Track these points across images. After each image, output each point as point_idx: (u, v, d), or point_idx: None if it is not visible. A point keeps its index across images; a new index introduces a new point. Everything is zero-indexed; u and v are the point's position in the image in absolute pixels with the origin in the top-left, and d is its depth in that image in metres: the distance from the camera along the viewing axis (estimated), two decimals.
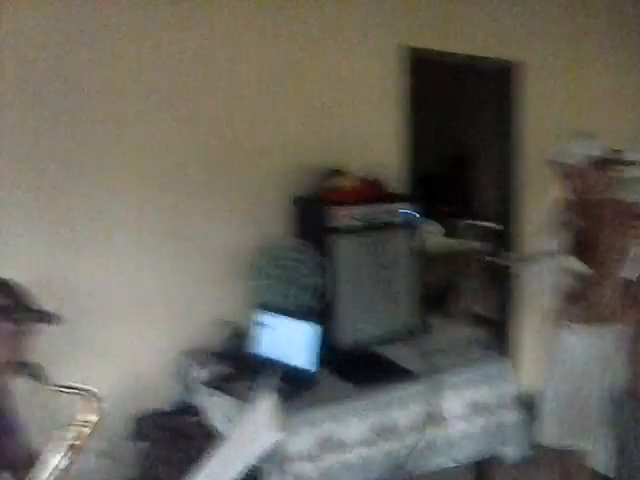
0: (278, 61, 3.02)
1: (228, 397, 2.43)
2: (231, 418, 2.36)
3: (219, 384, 2.53)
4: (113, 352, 2.69)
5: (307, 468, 2.21)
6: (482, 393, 2.58)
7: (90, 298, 2.57)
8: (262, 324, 2.67)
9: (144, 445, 2.62)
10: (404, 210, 2.92)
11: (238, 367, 2.62)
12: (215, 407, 2.51)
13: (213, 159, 2.89)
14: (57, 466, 1.68)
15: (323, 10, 3.13)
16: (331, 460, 2.27)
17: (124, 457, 2.64)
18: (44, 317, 1.76)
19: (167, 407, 2.72)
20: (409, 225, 2.94)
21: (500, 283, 4.05)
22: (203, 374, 2.64)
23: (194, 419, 2.61)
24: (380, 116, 3.34)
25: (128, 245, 2.72)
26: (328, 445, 2.27)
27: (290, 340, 2.57)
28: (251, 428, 1.74)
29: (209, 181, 2.88)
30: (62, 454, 1.69)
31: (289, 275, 2.74)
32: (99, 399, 1.76)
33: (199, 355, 2.75)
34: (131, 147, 2.71)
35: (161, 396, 2.73)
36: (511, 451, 2.64)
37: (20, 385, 1.84)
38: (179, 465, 2.51)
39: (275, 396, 1.81)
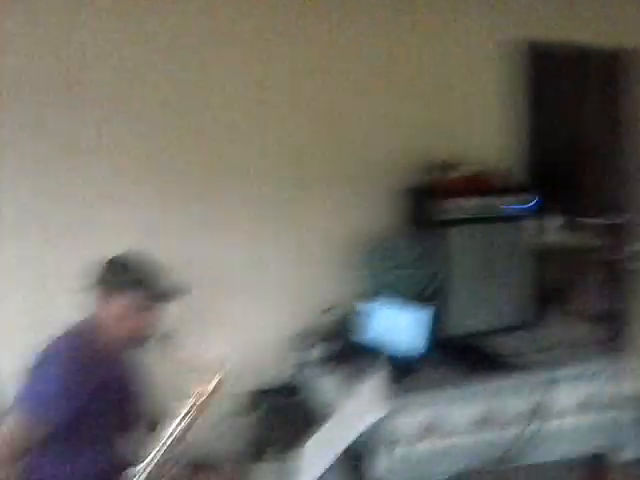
0: (386, 50, 3.06)
1: (335, 377, 2.51)
2: (337, 397, 2.44)
3: (327, 365, 2.61)
4: (230, 328, 2.83)
5: (410, 451, 2.25)
6: (595, 389, 2.51)
7: (217, 276, 2.75)
8: (370, 310, 2.73)
9: (253, 419, 2.77)
10: (517, 203, 2.88)
11: (346, 350, 2.69)
12: (322, 386, 2.61)
13: (325, 153, 3.00)
14: (176, 431, 1.84)
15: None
16: (434, 444, 2.29)
17: (233, 429, 2.81)
18: (169, 292, 1.91)
19: (276, 384, 2.85)
20: (523, 218, 2.90)
21: (618, 279, 3.88)
22: (311, 355, 2.74)
23: (301, 397, 2.73)
24: (492, 106, 3.30)
25: (252, 230, 2.91)
26: (432, 430, 2.29)
27: (397, 326, 2.62)
28: (357, 406, 1.82)
29: (322, 174, 2.99)
30: (182, 420, 1.85)
31: (397, 264, 2.79)
32: (219, 372, 1.91)
33: (309, 337, 2.85)
34: (256, 145, 2.90)
35: (271, 373, 2.87)
36: (624, 451, 2.56)
37: (149, 353, 2.02)
38: (286, 440, 2.65)
39: (382, 377, 1.87)
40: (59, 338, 1.86)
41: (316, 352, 2.74)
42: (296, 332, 2.91)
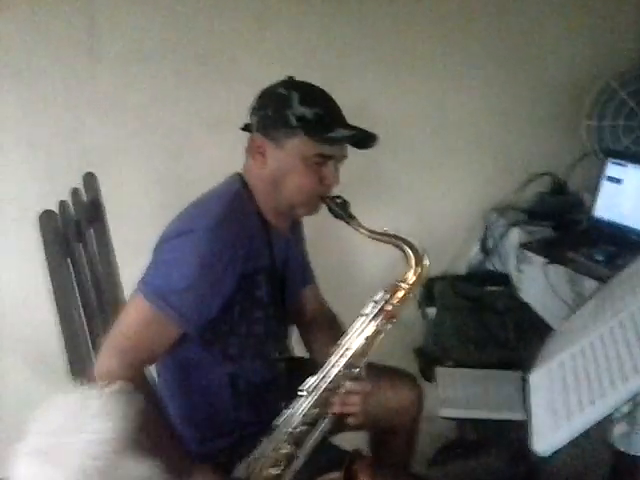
0: None
1: (554, 265, 1.85)
2: (559, 291, 1.80)
3: (539, 249, 1.95)
4: (410, 200, 2.27)
5: None
6: None
7: (394, 137, 2.10)
8: (602, 176, 1.99)
9: (433, 312, 2.21)
10: None
11: (564, 230, 2.02)
12: (532, 276, 1.96)
13: None
14: (362, 335, 1.29)
15: None
16: None
17: (409, 323, 2.27)
18: (353, 138, 1.29)
19: (466, 271, 2.25)
20: None
21: None
22: (516, 236, 2.09)
23: (500, 288, 2.11)
24: None
25: (434, 76, 2.19)
26: None
27: None
28: None
29: None
30: (369, 321, 1.29)
31: None
32: (422, 255, 1.31)
33: (511, 213, 2.19)
34: None
35: (460, 258, 2.28)
36: None
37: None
38: (476, 339, 2.09)
39: None
40: (196, 206, 1.31)
41: (523, 232, 2.07)
42: (496, 206, 2.24)
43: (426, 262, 1.30)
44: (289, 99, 1.25)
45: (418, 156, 2.23)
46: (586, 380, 1.17)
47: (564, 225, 2.04)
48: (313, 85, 1.30)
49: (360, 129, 1.28)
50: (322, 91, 1.30)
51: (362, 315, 1.29)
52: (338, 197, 1.32)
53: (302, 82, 1.31)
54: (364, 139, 1.29)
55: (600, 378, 1.15)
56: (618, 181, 1.94)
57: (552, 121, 2.25)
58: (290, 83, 1.30)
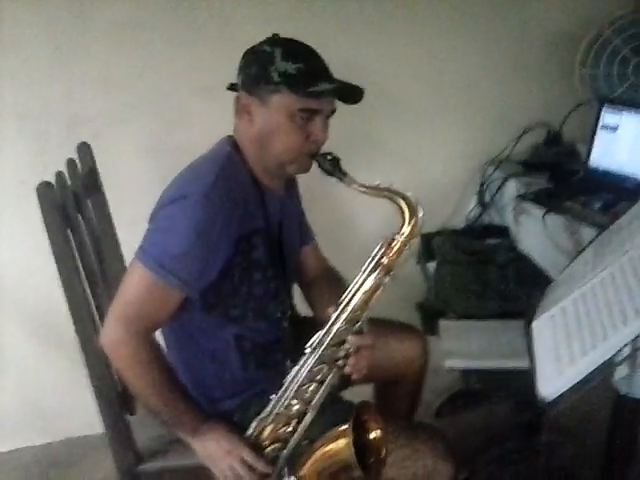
0: None
1: (552, 215, 1.85)
2: (558, 240, 1.80)
3: (536, 200, 1.95)
4: (404, 155, 2.26)
5: None
6: None
7: (384, 93, 2.09)
8: (597, 124, 1.99)
9: (433, 267, 2.23)
10: None
11: (561, 180, 2.02)
12: (530, 227, 1.97)
13: None
14: (361, 289, 1.29)
15: None
16: None
17: (409, 278, 2.28)
18: (340, 92, 1.27)
19: (464, 226, 2.26)
20: None
21: None
22: (513, 188, 2.09)
23: (499, 241, 2.12)
24: None
25: (425, 28, 2.16)
26: None
27: None
28: None
29: None
30: (366, 275, 1.29)
31: None
32: (415, 206, 1.31)
33: (507, 166, 2.19)
34: None
35: (457, 213, 2.29)
36: None
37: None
38: (477, 291, 2.11)
39: None
40: (188, 172, 1.30)
41: (520, 183, 2.08)
42: (492, 158, 2.24)
43: (420, 213, 1.29)
44: (272, 55, 1.24)
45: (411, 110, 2.22)
46: (588, 324, 1.18)
47: (560, 175, 2.04)
48: (297, 41, 1.28)
49: (344, 82, 1.25)
50: (306, 46, 1.28)
51: (361, 270, 1.29)
52: (329, 154, 1.30)
53: (286, 38, 1.29)
54: (350, 92, 1.27)
55: (602, 322, 1.15)
56: (613, 129, 1.93)
57: (545, 70, 2.23)
58: (274, 40, 1.28)
